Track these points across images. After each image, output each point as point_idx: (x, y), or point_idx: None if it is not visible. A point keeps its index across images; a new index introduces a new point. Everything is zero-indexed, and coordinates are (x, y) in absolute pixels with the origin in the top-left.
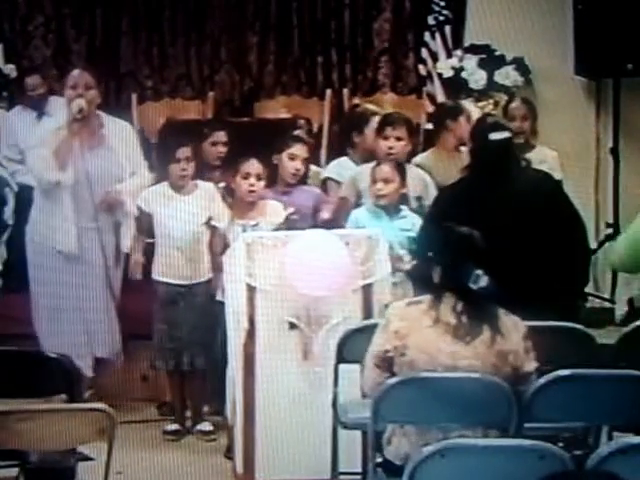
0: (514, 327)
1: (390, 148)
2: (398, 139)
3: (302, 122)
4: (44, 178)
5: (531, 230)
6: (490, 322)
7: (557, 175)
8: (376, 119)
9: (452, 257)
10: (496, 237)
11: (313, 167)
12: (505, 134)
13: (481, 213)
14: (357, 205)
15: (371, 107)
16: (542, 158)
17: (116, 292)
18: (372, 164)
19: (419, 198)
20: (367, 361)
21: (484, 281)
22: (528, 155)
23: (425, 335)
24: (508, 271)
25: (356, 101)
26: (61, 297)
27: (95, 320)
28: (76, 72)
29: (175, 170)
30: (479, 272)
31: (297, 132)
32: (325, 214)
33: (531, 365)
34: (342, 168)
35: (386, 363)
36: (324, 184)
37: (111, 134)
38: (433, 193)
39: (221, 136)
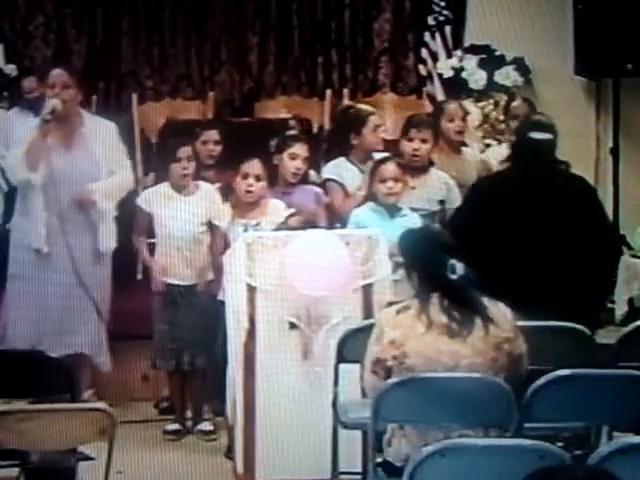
0: (502, 314)
1: (415, 150)
2: (423, 141)
3: (293, 122)
4: (15, 177)
5: (560, 233)
6: (481, 313)
7: None
8: (373, 119)
9: (427, 255)
10: (524, 236)
11: (311, 172)
12: (547, 135)
13: (513, 209)
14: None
15: (365, 107)
16: None
17: (96, 292)
18: (345, 162)
19: (442, 201)
20: (365, 365)
21: (460, 269)
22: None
23: (422, 340)
24: (531, 269)
25: (348, 103)
26: (35, 295)
27: (64, 319)
28: (55, 71)
29: (176, 169)
30: (453, 262)
31: (291, 132)
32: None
33: (522, 347)
34: (341, 169)
35: (383, 370)
36: (324, 185)
37: (91, 134)
38: (456, 196)
39: (212, 135)
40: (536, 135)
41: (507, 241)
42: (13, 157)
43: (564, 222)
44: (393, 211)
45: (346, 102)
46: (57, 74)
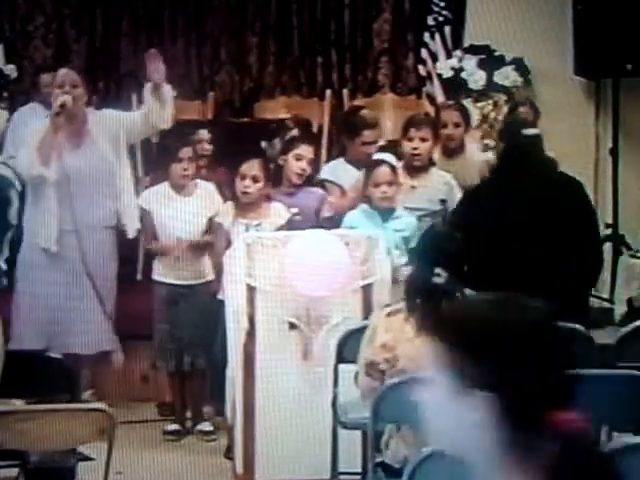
0: None
1: (415, 149)
2: (422, 140)
3: (291, 123)
4: (28, 173)
5: (552, 231)
6: None
7: None
8: (367, 133)
9: (423, 260)
10: (520, 235)
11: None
12: (536, 131)
13: (508, 210)
14: None
15: (370, 115)
16: None
17: (105, 291)
18: (343, 163)
19: (443, 201)
20: (359, 367)
21: (443, 278)
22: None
23: (412, 344)
24: (525, 268)
25: (356, 104)
26: (45, 295)
27: (75, 318)
28: (63, 71)
29: (177, 170)
30: (439, 270)
31: (295, 132)
32: (326, 212)
33: None
34: (338, 170)
35: (377, 372)
36: (322, 186)
37: (96, 130)
38: (457, 195)
39: (204, 134)
40: (529, 132)
41: (501, 241)
42: (26, 152)
43: (557, 219)
44: (386, 213)
45: (356, 103)
46: (65, 73)
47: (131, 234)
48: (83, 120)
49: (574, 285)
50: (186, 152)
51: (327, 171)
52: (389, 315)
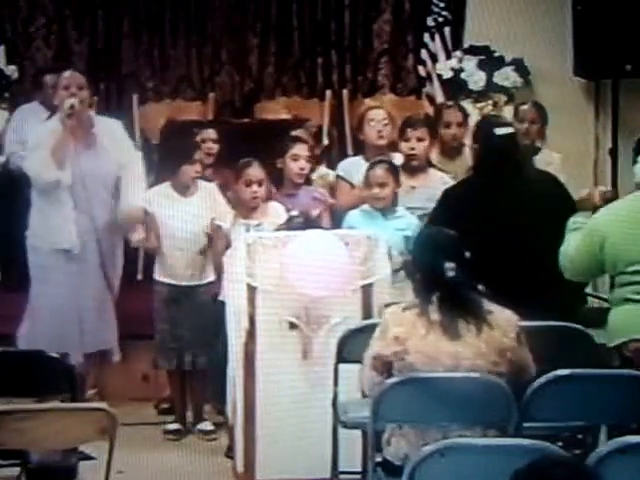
0: (507, 322)
1: (412, 149)
2: (419, 140)
3: (306, 122)
4: (42, 178)
5: (534, 231)
6: (482, 317)
7: (562, 177)
8: (369, 113)
9: (430, 256)
10: (501, 236)
11: (323, 169)
12: (510, 129)
13: (488, 212)
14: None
15: (367, 102)
16: (548, 160)
17: (114, 290)
18: (359, 160)
19: None
20: (365, 362)
21: (453, 271)
22: (534, 158)
23: (424, 340)
24: (509, 270)
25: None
26: (60, 296)
27: (92, 319)
28: (68, 73)
29: (189, 171)
30: (450, 264)
31: (298, 131)
32: (314, 212)
33: (525, 356)
34: (353, 166)
35: (384, 366)
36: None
37: (102, 134)
38: None
39: (210, 133)
40: (502, 131)
41: (483, 242)
42: (36, 159)
43: (539, 218)
44: (387, 213)
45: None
46: (71, 75)
47: (134, 243)
48: (90, 122)
49: (561, 285)
50: (200, 154)
51: (341, 168)
52: (404, 310)
